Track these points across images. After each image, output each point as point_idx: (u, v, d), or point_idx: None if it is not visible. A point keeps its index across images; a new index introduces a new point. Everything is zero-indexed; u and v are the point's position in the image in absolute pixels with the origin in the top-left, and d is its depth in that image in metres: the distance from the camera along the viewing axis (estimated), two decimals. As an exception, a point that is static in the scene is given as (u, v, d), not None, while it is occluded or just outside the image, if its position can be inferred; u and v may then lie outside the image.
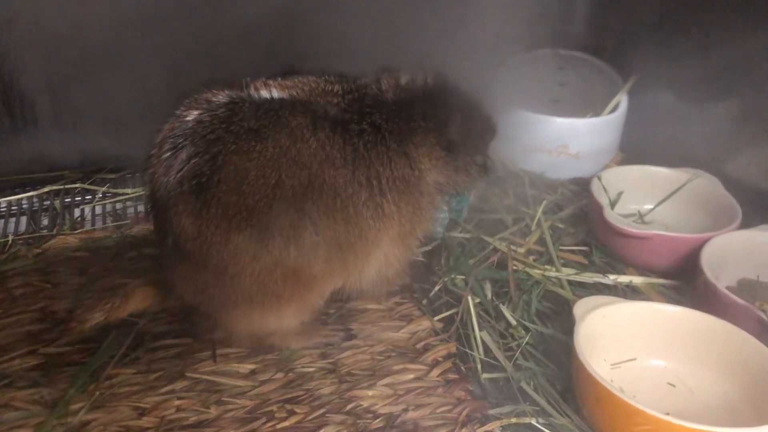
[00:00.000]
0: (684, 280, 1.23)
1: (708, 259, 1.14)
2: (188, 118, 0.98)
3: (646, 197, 1.42)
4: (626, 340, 1.04)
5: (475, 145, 1.17)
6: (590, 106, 1.64)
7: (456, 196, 1.26)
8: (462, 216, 1.37)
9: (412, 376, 1.07)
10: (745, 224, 1.25)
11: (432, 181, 1.12)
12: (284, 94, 1.01)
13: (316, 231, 0.99)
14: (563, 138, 1.56)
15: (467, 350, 1.11)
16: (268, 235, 0.96)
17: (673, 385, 1.02)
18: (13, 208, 1.51)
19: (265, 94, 1.01)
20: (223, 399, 1.01)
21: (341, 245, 1.02)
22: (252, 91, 1.01)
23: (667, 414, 0.84)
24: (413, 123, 1.09)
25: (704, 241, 1.18)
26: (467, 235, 1.36)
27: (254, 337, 1.08)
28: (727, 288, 1.10)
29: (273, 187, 0.95)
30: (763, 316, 1.01)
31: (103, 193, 1.54)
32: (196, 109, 0.98)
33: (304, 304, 1.05)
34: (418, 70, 1.13)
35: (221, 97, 0.99)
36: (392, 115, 1.07)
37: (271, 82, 1.03)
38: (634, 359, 1.04)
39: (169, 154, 0.96)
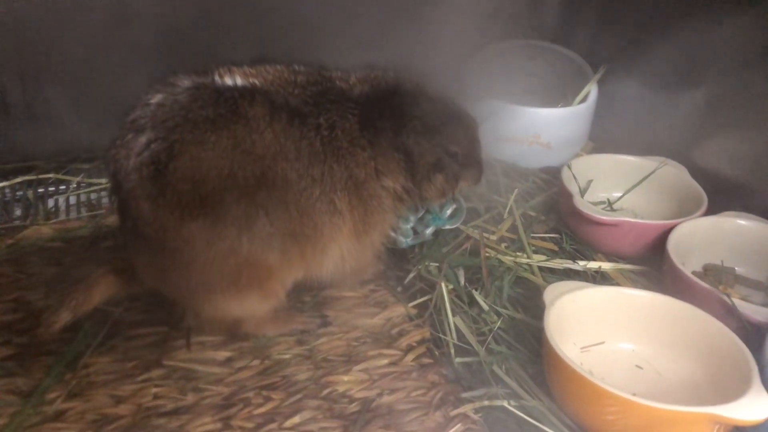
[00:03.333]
0: (651, 266, 1.25)
1: (675, 245, 1.17)
2: (151, 101, 0.98)
3: (615, 185, 1.45)
4: (595, 324, 1.06)
5: (442, 158, 1.13)
6: (561, 97, 1.66)
7: (425, 210, 1.24)
8: (445, 224, 1.30)
9: (386, 361, 1.08)
10: (711, 211, 1.28)
11: (386, 186, 1.10)
12: (246, 82, 1.01)
13: (269, 222, 0.98)
14: (535, 128, 1.58)
15: (441, 335, 1.13)
16: (220, 224, 0.96)
17: (641, 368, 1.04)
18: (-15, 198, 1.50)
19: (228, 81, 1.00)
20: (199, 386, 1.02)
21: (296, 237, 1.02)
22: (216, 77, 1.00)
23: (634, 394, 0.87)
24: (369, 122, 1.07)
25: (671, 228, 1.21)
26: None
27: (223, 324, 1.08)
28: (693, 273, 1.12)
29: (226, 178, 0.95)
30: (727, 299, 1.04)
31: (78, 183, 1.53)
32: (160, 92, 0.98)
33: (264, 293, 1.05)
34: (395, 69, 1.12)
35: (185, 81, 0.99)
36: (350, 112, 1.07)
37: (236, 69, 1.03)
38: (603, 343, 1.06)
39: (130, 136, 0.96)
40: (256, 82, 1.02)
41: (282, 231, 1.00)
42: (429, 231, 1.28)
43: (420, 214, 1.26)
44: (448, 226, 1.30)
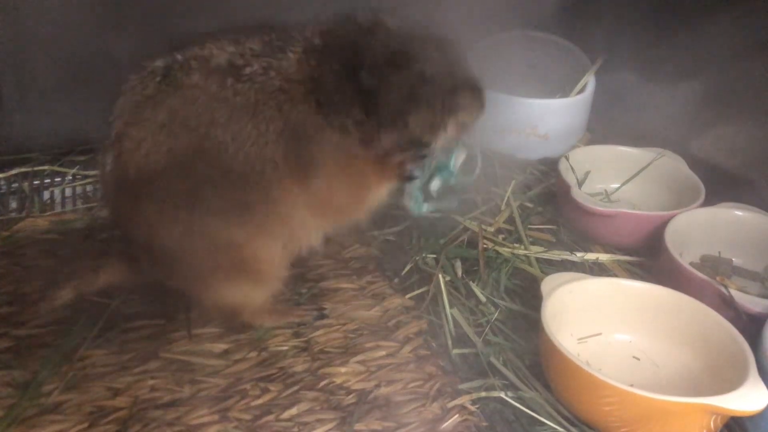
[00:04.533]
0: (648, 257, 1.25)
1: (672, 236, 1.17)
2: (126, 86, 0.97)
3: (612, 176, 1.45)
4: (592, 315, 1.06)
5: (415, 85, 0.97)
6: (559, 88, 1.66)
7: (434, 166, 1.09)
8: (454, 178, 1.14)
9: (384, 352, 1.08)
10: (708, 202, 1.28)
11: (331, 122, 0.96)
12: (197, 52, 0.96)
13: (220, 197, 0.94)
14: (532, 119, 1.57)
15: (438, 327, 1.13)
16: (170, 207, 0.93)
17: (638, 359, 1.04)
18: (-20, 191, 1.49)
19: (179, 55, 0.96)
20: (196, 378, 1.02)
21: (254, 206, 0.96)
22: (176, 54, 0.96)
23: (631, 385, 0.87)
24: (311, 56, 0.96)
25: (668, 219, 1.21)
26: (438, 215, 1.38)
27: (223, 312, 1.07)
28: (690, 264, 1.12)
29: (165, 155, 0.92)
30: (724, 290, 1.04)
31: (73, 175, 1.52)
32: (136, 75, 0.97)
33: (255, 277, 1.02)
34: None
35: (157, 62, 0.97)
36: (291, 50, 0.96)
37: (196, 40, 0.98)
38: (600, 334, 1.06)
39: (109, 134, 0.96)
40: (206, 51, 0.96)
41: (237, 204, 0.95)
42: (435, 187, 1.12)
43: (430, 174, 1.10)
44: (458, 186, 1.13)
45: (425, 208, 1.15)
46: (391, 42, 0.97)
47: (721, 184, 1.35)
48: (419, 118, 0.99)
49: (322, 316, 1.15)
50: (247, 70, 0.95)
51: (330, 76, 0.96)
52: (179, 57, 0.96)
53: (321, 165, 0.97)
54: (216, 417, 0.96)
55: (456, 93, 1.02)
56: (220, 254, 0.98)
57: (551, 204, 1.43)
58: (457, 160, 1.13)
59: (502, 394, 0.99)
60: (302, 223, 1.01)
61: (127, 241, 1.02)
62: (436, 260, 1.25)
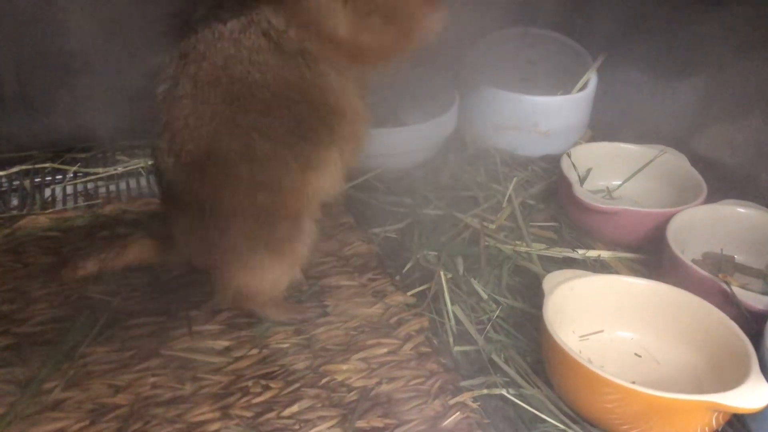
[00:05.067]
0: (651, 254, 1.25)
1: (674, 233, 1.16)
2: (157, 74, 0.99)
3: (614, 173, 1.44)
4: (594, 312, 1.06)
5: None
6: (560, 84, 1.65)
7: None
8: None
9: (385, 350, 1.08)
10: (711, 199, 1.27)
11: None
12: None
13: (264, 139, 0.95)
14: (534, 116, 1.57)
15: (439, 324, 1.12)
16: (223, 176, 0.95)
17: (640, 356, 1.04)
18: (-19, 188, 1.49)
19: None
20: (198, 375, 1.02)
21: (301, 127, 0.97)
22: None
23: (633, 382, 0.87)
24: None
25: (670, 216, 1.21)
26: (440, 212, 1.38)
27: (239, 297, 1.07)
28: (693, 261, 1.12)
29: (208, 122, 0.94)
30: (726, 287, 1.04)
31: (74, 172, 1.53)
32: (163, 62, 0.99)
33: (291, 255, 1.04)
34: None
35: (180, 45, 0.98)
36: None
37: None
38: (602, 331, 1.06)
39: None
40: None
41: (293, 128, 0.97)
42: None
43: None
44: None
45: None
46: None
47: (724, 181, 1.35)
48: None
49: (324, 314, 1.15)
50: (244, 20, 0.95)
51: None
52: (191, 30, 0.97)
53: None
54: (217, 414, 0.96)
55: None
56: (270, 230, 0.99)
57: (553, 201, 1.43)
58: None
59: (504, 392, 0.99)
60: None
61: (163, 220, 1.03)
62: (438, 257, 1.25)
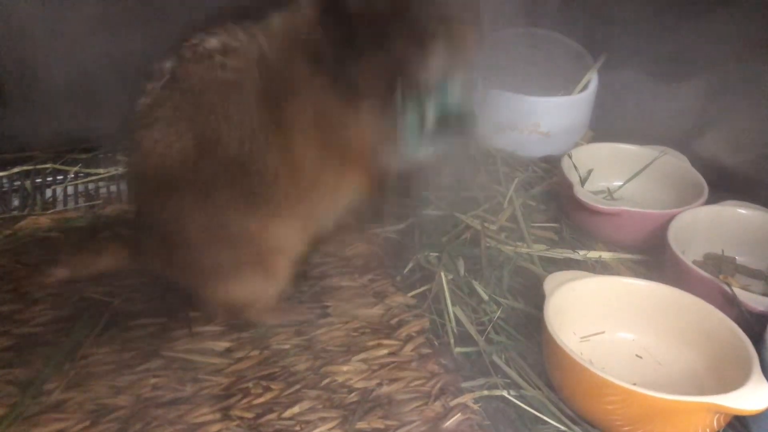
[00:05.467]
0: (652, 255, 1.25)
1: (675, 234, 1.16)
2: (141, 90, 0.99)
3: (615, 174, 1.44)
4: (595, 313, 1.06)
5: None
6: (561, 85, 1.65)
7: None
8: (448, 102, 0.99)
9: (386, 351, 1.08)
10: (712, 200, 1.27)
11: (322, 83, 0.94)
12: (194, 41, 0.97)
13: (229, 182, 0.95)
14: (534, 116, 1.57)
15: (440, 325, 1.12)
16: (189, 201, 0.96)
17: (641, 357, 1.04)
18: (-18, 189, 1.49)
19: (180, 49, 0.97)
20: (198, 377, 1.02)
21: (259, 188, 0.97)
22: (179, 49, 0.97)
23: (635, 384, 0.86)
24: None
25: (671, 217, 1.20)
26: (440, 213, 1.37)
27: (230, 309, 1.08)
28: (694, 262, 1.12)
29: (178, 151, 0.94)
30: (727, 288, 1.04)
31: (75, 173, 1.53)
32: (148, 78, 1.00)
33: (271, 268, 1.04)
34: None
35: (166, 62, 0.98)
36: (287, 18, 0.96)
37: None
38: (603, 332, 1.06)
39: None
40: (197, 38, 0.98)
41: (248, 189, 0.96)
42: (430, 116, 0.97)
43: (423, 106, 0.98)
44: (456, 113, 0.98)
45: (423, 149, 1.02)
46: None
47: (725, 182, 1.35)
48: (407, 40, 0.91)
49: (324, 315, 1.15)
50: (235, 44, 0.95)
51: (308, 25, 0.94)
52: (180, 51, 0.97)
53: (313, 115, 0.95)
54: (218, 416, 0.96)
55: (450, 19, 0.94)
56: (240, 247, 0.99)
57: (554, 202, 1.43)
58: (452, 86, 1.00)
59: (505, 393, 0.99)
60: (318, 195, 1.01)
61: (137, 230, 1.03)
62: (439, 258, 1.24)
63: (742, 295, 1.03)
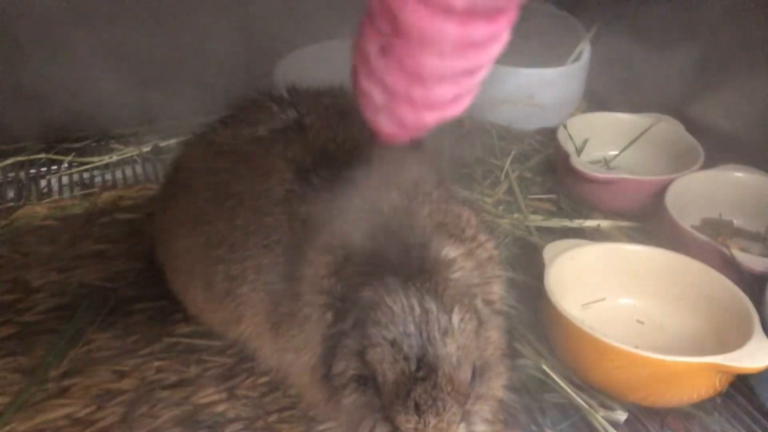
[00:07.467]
0: (649, 222, 1.25)
1: (672, 199, 1.17)
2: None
3: (611, 143, 1.44)
4: (595, 280, 1.06)
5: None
6: (554, 57, 1.64)
7: None
8: None
9: (388, 326, 1.08)
10: (708, 165, 1.27)
11: None
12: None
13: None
14: (528, 89, 1.57)
15: (441, 299, 1.12)
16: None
17: (642, 322, 1.05)
18: (-24, 181, 1.48)
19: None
20: (202, 358, 1.02)
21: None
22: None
23: (637, 347, 0.87)
24: None
25: (668, 183, 1.21)
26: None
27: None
28: (692, 227, 1.12)
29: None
30: (726, 251, 1.04)
31: (69, 162, 1.52)
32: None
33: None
34: None
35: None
36: None
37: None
38: (604, 299, 1.06)
39: None
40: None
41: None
42: None
43: None
44: None
45: None
46: None
47: (720, 147, 1.35)
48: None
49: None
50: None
51: None
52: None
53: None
54: (224, 395, 0.96)
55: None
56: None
57: (550, 173, 1.42)
58: None
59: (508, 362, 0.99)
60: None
61: None
62: (437, 233, 1.24)
63: (741, 257, 1.04)
